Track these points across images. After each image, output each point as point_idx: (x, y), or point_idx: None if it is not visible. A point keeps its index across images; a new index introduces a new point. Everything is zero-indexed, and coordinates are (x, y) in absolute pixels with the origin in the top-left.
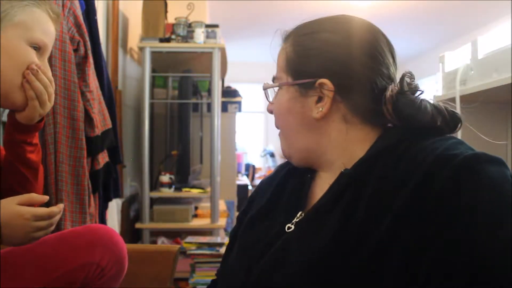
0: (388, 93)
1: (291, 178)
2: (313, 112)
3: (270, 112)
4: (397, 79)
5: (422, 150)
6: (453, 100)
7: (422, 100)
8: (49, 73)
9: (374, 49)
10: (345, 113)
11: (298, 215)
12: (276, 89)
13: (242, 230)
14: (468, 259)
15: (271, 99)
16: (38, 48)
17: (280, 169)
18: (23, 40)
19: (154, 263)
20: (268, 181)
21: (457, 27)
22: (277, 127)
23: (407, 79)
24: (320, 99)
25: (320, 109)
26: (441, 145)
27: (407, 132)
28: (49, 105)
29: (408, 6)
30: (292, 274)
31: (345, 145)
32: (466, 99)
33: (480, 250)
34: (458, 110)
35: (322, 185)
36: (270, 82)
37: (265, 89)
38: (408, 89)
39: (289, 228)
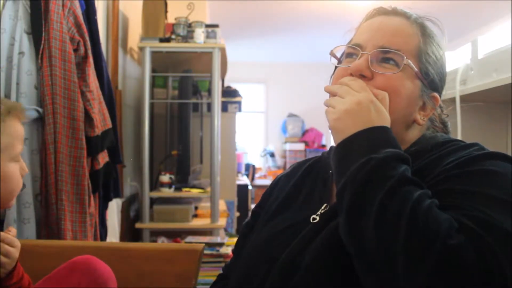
0: (440, 113)
1: (310, 174)
2: (417, 115)
3: (366, 76)
4: None
5: (451, 153)
6: (453, 100)
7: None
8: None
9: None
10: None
11: (323, 207)
12: (389, 60)
13: (264, 222)
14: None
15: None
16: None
17: (297, 166)
18: (7, 160)
19: (179, 262)
20: (285, 177)
21: (457, 27)
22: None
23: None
24: (420, 108)
25: (425, 118)
26: (472, 152)
27: (436, 141)
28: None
29: (408, 6)
30: (317, 254)
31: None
32: (466, 99)
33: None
34: (458, 110)
35: None
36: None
37: (390, 59)
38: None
39: (314, 219)
